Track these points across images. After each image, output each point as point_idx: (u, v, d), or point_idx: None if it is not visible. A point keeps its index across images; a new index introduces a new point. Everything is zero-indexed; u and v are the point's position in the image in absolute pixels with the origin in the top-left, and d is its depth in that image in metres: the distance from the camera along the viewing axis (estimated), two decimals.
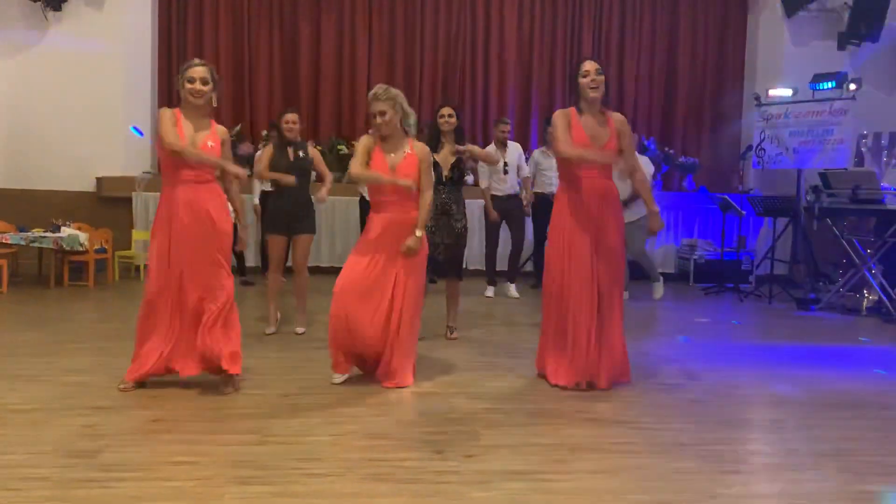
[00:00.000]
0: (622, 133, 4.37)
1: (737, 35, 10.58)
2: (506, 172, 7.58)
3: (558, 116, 4.34)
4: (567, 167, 4.37)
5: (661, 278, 8.02)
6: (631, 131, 4.53)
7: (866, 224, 7.80)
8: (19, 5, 8.82)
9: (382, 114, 4.26)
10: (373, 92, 4.33)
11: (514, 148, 7.80)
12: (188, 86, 4.03)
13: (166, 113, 4.02)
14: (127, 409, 3.77)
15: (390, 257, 4.27)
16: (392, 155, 4.32)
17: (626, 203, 7.71)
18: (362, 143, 4.39)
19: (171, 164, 4.04)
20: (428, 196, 4.38)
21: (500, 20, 10.29)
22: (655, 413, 3.96)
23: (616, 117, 4.40)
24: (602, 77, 4.26)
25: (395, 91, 4.33)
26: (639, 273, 8.09)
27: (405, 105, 4.37)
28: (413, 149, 4.36)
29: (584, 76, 4.27)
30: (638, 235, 7.63)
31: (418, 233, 4.30)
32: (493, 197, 7.60)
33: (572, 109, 4.35)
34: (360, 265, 4.25)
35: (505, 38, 10.29)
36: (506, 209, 7.64)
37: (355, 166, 4.33)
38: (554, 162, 8.18)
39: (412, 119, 4.40)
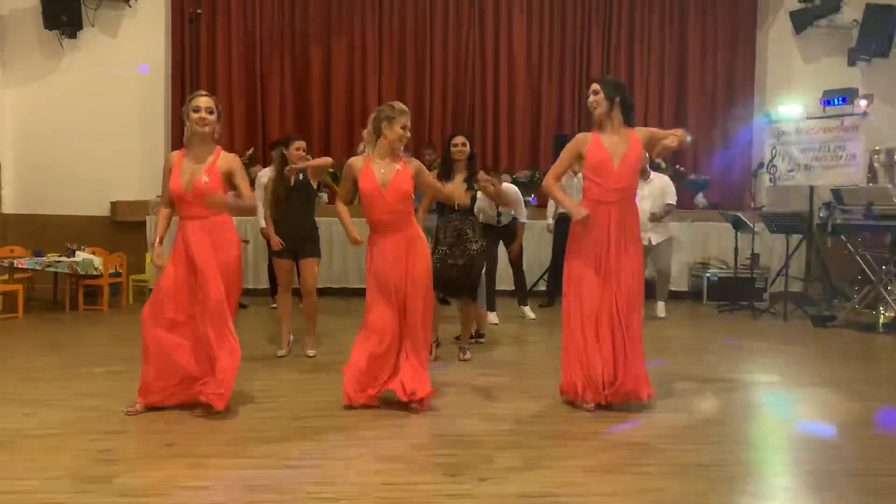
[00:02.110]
0: (648, 139, 4.36)
1: (746, 52, 10.60)
2: (499, 221, 7.35)
3: (572, 142, 4.46)
4: (590, 186, 4.36)
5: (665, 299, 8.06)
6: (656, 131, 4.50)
7: (881, 240, 7.75)
8: (36, 33, 8.98)
9: (410, 128, 4.36)
10: (399, 106, 4.32)
11: (511, 193, 7.16)
12: (194, 115, 4.11)
13: (165, 164, 4.26)
14: (141, 434, 3.78)
15: (399, 278, 4.28)
16: (383, 171, 4.29)
17: (657, 220, 7.78)
18: (347, 171, 4.40)
19: (173, 200, 4.21)
20: (436, 185, 4.49)
21: (508, 41, 10.37)
22: (672, 434, 3.92)
23: (640, 130, 4.40)
24: (598, 96, 4.32)
25: None
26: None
27: None
28: (404, 164, 4.35)
29: (588, 97, 4.41)
30: (667, 253, 7.93)
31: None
32: (486, 226, 7.45)
33: (594, 132, 4.40)
34: (386, 317, 4.28)
35: (514, 59, 10.36)
36: (500, 234, 7.50)
37: (338, 204, 4.51)
38: (575, 181, 8.21)
39: None
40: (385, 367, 4.31)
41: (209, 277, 4.07)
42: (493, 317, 7.25)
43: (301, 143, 5.74)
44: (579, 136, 4.48)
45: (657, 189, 7.86)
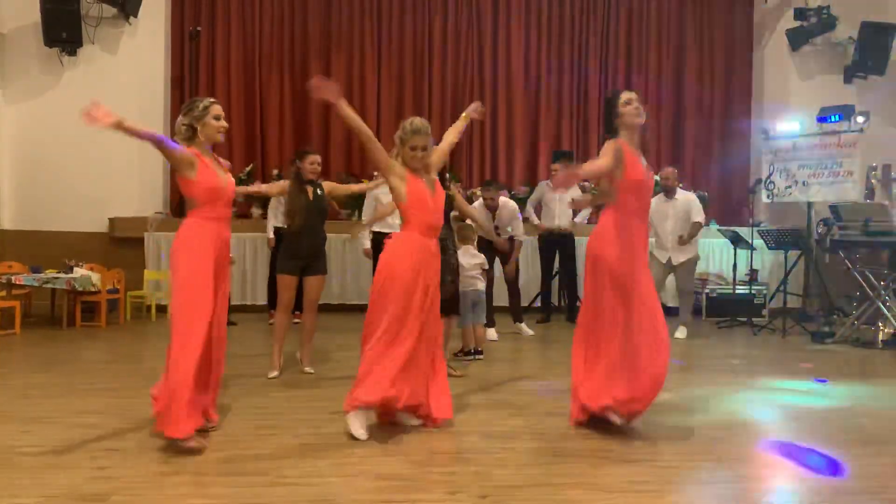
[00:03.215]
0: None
1: (743, 69, 10.67)
2: (498, 235, 7.38)
3: (610, 147, 4.18)
4: (629, 201, 4.21)
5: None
6: None
7: (879, 256, 7.76)
8: (36, 50, 9.01)
9: (424, 148, 4.17)
10: (412, 126, 4.16)
11: (505, 211, 7.44)
12: (216, 123, 4.04)
13: (189, 158, 3.94)
14: (138, 452, 3.74)
15: (433, 284, 4.21)
16: (424, 178, 4.22)
17: (685, 243, 7.70)
18: (391, 161, 4.22)
19: (208, 199, 3.99)
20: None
21: (506, 58, 10.42)
22: (673, 450, 3.90)
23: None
24: (643, 106, 4.30)
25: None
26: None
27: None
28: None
29: (628, 104, 4.25)
30: (691, 272, 7.83)
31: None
32: (483, 241, 7.50)
33: (622, 141, 4.23)
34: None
35: (512, 76, 10.42)
36: (497, 250, 7.53)
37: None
38: (559, 197, 8.20)
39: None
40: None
41: (228, 281, 4.16)
42: (492, 333, 7.23)
43: (315, 157, 5.68)
44: (613, 142, 4.20)
45: (682, 208, 7.70)
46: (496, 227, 7.36)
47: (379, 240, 6.73)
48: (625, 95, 4.30)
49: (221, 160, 4.26)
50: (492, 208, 7.37)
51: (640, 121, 4.27)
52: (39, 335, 7.37)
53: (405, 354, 4.04)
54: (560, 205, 8.22)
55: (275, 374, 5.57)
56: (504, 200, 7.48)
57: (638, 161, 4.24)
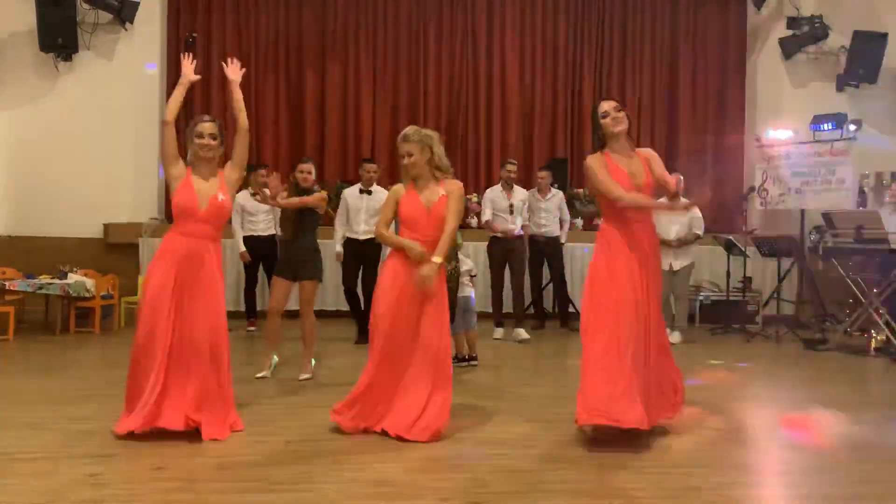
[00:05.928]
0: (652, 162, 4.32)
1: (736, 77, 10.73)
2: (511, 213, 7.65)
3: (594, 161, 4.25)
4: (614, 209, 4.24)
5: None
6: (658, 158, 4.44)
7: (871, 263, 7.80)
8: (32, 56, 9.02)
9: (409, 155, 4.29)
10: (402, 133, 4.35)
11: (520, 192, 7.88)
12: (197, 140, 4.19)
13: (179, 169, 4.22)
14: (131, 458, 3.75)
15: (415, 304, 4.23)
16: (426, 193, 4.30)
17: (680, 246, 7.77)
18: (390, 194, 4.42)
19: (184, 214, 4.16)
20: (450, 226, 4.26)
21: (501, 68, 10.46)
22: (664, 457, 3.92)
23: (643, 152, 4.37)
24: (622, 113, 4.26)
25: (426, 132, 4.34)
26: None
27: (435, 146, 4.31)
28: (445, 189, 4.32)
29: (605, 116, 4.27)
30: (687, 278, 7.96)
31: (436, 259, 4.16)
32: (496, 238, 7.65)
33: (605, 153, 4.28)
34: (395, 326, 4.20)
35: (507, 85, 10.45)
36: (508, 250, 7.64)
37: (380, 225, 4.36)
38: (544, 205, 8.24)
39: (445, 161, 4.36)
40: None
41: (211, 309, 4.14)
42: (499, 332, 7.57)
43: (305, 166, 5.82)
44: (594, 157, 4.28)
45: (686, 217, 7.78)
46: (510, 205, 7.69)
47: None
48: (602, 107, 4.32)
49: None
50: (510, 182, 7.79)
51: (619, 129, 4.26)
52: (33, 341, 7.36)
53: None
54: (546, 213, 8.28)
55: (263, 374, 5.68)
56: (518, 189, 7.90)
57: (619, 168, 4.24)
